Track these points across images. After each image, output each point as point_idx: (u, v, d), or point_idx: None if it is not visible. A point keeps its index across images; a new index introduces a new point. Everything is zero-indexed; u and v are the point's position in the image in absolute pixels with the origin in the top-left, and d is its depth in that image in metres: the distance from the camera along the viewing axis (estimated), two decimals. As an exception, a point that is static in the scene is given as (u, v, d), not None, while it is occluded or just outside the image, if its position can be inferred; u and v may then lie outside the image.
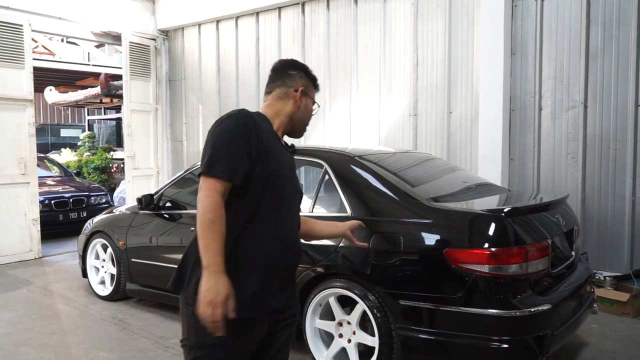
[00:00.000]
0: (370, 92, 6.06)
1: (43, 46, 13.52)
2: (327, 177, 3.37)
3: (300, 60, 7.19)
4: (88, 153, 13.07)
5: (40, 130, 18.98)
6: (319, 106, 2.03)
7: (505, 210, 2.78)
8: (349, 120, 6.25)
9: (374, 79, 6.00)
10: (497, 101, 4.98)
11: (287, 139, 2.01)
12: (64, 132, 20.80)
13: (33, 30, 6.71)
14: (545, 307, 2.69)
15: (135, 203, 4.51)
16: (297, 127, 1.95)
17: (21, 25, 6.40)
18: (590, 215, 4.71)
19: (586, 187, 4.72)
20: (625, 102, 4.50)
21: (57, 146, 17.39)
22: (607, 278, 4.44)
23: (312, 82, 1.99)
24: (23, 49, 6.43)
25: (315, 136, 6.56)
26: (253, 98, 7.18)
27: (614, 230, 4.59)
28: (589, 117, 4.69)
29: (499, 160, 4.97)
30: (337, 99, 6.34)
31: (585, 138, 4.70)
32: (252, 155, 1.69)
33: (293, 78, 1.93)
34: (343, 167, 3.35)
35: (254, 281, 1.71)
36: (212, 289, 1.56)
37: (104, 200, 8.43)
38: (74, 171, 10.20)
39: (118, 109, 14.81)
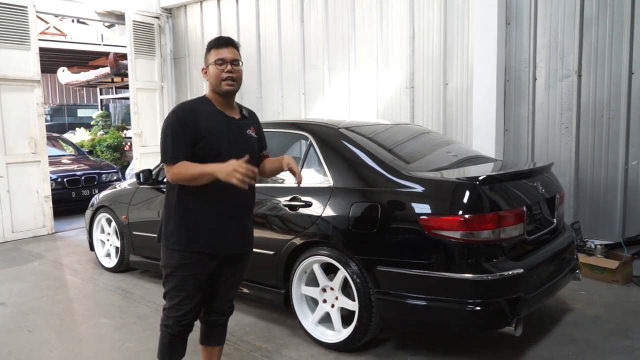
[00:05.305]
0: (367, 66, 6.08)
1: (55, 27, 13.67)
2: (311, 149, 3.46)
3: (299, 35, 7.14)
4: (101, 132, 13.32)
5: (58, 111, 19.35)
6: (223, 61, 2.28)
7: (480, 178, 2.84)
8: (347, 94, 6.29)
9: (372, 52, 6.01)
10: (492, 72, 4.97)
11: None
12: (81, 112, 21.10)
13: (38, 12, 6.83)
14: (518, 271, 2.77)
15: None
16: (218, 90, 2.30)
17: (26, 7, 6.51)
18: (583, 184, 4.73)
19: (580, 156, 4.72)
20: (619, 70, 4.46)
21: (74, 126, 17.65)
22: (598, 246, 4.48)
23: (209, 50, 2.33)
24: (29, 31, 6.56)
25: (316, 110, 6.63)
26: (254, 73, 7.25)
27: (606, 198, 4.61)
28: (583, 86, 4.66)
29: (493, 131, 4.99)
30: (336, 73, 6.37)
31: (579, 107, 4.69)
32: (191, 138, 2.19)
33: (204, 61, 2.37)
34: (327, 138, 3.43)
35: (206, 229, 2.26)
36: (222, 168, 2.04)
37: (115, 178, 8.65)
38: (87, 150, 10.44)
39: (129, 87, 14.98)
